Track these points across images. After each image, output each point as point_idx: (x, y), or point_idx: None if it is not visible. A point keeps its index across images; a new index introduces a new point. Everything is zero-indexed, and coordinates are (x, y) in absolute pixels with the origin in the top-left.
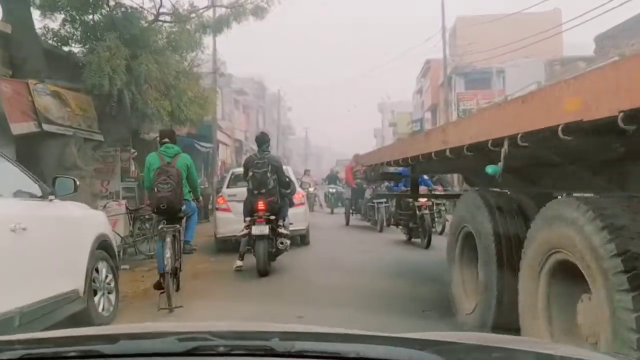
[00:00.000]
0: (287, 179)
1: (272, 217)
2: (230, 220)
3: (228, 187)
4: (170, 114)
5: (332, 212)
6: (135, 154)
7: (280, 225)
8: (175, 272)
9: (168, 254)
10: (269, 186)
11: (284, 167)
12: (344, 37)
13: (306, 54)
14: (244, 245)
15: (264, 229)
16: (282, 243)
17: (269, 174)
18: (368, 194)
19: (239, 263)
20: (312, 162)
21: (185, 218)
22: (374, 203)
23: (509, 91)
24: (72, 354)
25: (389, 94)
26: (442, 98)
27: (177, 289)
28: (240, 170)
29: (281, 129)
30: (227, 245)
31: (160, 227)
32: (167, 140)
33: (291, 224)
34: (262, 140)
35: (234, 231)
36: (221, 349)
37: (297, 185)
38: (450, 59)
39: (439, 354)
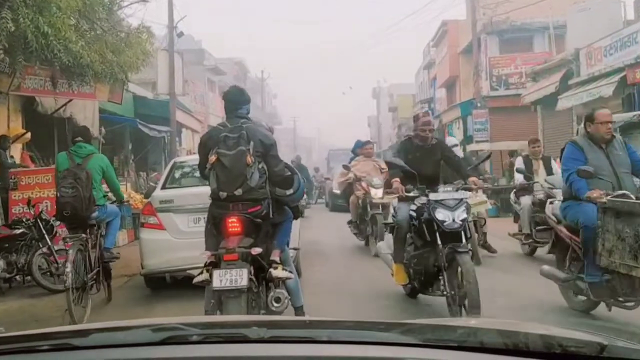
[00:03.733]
0: (286, 169)
1: (257, 249)
2: (165, 243)
3: (165, 187)
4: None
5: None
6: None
7: (275, 262)
8: (84, 287)
9: (69, 267)
10: (250, 182)
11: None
12: (328, 9)
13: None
14: (209, 301)
15: (239, 276)
16: (277, 300)
17: (249, 158)
18: None
19: None
20: (301, 153)
21: (105, 224)
22: None
23: (562, 50)
24: (45, 347)
25: (384, 77)
26: (473, 64)
27: (110, 298)
28: (190, 159)
29: (266, 117)
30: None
31: (63, 237)
32: (79, 139)
33: (297, 249)
34: (236, 99)
35: (170, 262)
36: (194, 338)
37: (313, 180)
38: (480, 12)
39: (404, 334)
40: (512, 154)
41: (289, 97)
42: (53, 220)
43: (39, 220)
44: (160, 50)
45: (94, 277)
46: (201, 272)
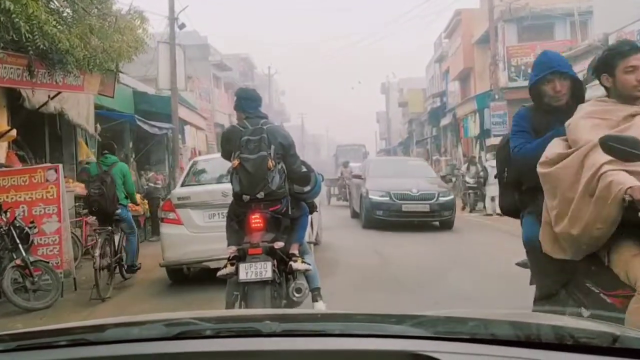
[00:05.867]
0: (303, 167)
1: (279, 243)
2: (182, 237)
3: (184, 184)
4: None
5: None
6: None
7: (295, 256)
8: (108, 267)
9: (97, 252)
10: (272, 185)
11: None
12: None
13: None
14: (231, 294)
15: (264, 269)
16: (298, 290)
17: (270, 163)
18: None
19: None
20: (309, 151)
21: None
22: None
23: (587, 36)
24: (63, 342)
25: (393, 72)
26: (491, 54)
27: (124, 278)
28: (207, 158)
29: (274, 115)
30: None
31: (93, 229)
32: (106, 151)
33: (316, 243)
34: (255, 96)
35: (187, 255)
36: (207, 332)
37: (319, 177)
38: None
39: (416, 327)
40: None
41: (296, 93)
42: (30, 228)
43: (12, 228)
44: (161, 43)
45: (117, 261)
46: (225, 266)
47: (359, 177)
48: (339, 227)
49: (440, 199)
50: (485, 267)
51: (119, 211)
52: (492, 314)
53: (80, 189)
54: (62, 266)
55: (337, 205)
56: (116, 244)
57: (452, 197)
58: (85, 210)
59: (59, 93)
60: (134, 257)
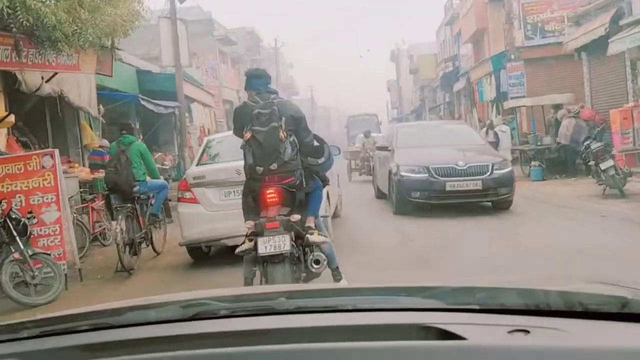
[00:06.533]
0: (315, 140)
1: (295, 216)
2: (199, 216)
3: (199, 164)
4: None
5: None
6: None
7: (311, 229)
8: (132, 244)
9: (118, 228)
10: (284, 157)
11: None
12: None
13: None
14: (249, 269)
15: (282, 242)
16: (316, 262)
17: (282, 134)
18: None
19: None
20: (319, 124)
21: (155, 194)
22: None
23: None
24: (84, 327)
25: (403, 38)
26: (505, 12)
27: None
28: (221, 137)
29: (283, 88)
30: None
31: (114, 207)
32: (124, 132)
33: (326, 216)
34: (259, 76)
35: (204, 233)
36: (222, 312)
37: (333, 149)
38: None
39: (426, 299)
40: (557, 108)
41: (304, 65)
42: (28, 219)
43: (8, 220)
44: (162, 18)
45: (143, 235)
46: (243, 242)
47: (384, 148)
48: (360, 212)
49: (495, 172)
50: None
51: (136, 188)
52: (501, 283)
53: (85, 173)
54: (64, 257)
55: (360, 181)
56: (140, 220)
57: (510, 169)
58: (92, 196)
59: (55, 74)
60: (158, 208)
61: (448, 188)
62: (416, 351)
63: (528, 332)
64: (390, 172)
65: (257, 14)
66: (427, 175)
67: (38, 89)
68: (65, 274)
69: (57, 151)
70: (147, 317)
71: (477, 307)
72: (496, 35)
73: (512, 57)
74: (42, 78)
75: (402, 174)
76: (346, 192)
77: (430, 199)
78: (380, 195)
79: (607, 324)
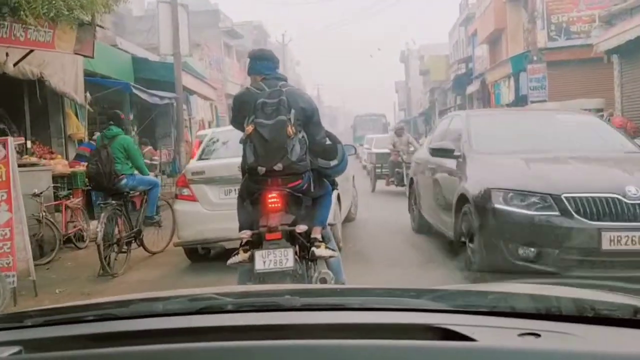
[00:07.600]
0: (327, 138)
1: (302, 227)
2: (196, 215)
3: (200, 159)
4: None
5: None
6: None
7: (317, 240)
8: (118, 243)
9: (99, 227)
10: (291, 156)
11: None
12: None
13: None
14: (243, 283)
15: (284, 257)
16: (323, 281)
17: (290, 129)
18: None
19: None
20: (325, 123)
21: (147, 193)
22: None
23: None
24: (90, 318)
25: (413, 39)
26: (528, 10)
27: (151, 253)
28: (225, 130)
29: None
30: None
31: (98, 202)
32: (111, 122)
33: (334, 224)
34: (265, 57)
35: (202, 234)
36: (229, 307)
37: (346, 149)
38: None
39: (435, 301)
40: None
41: (312, 63)
42: None
43: None
44: (161, 3)
45: (133, 235)
46: (237, 253)
47: (448, 153)
48: (388, 272)
49: None
50: None
51: (123, 182)
52: (512, 287)
53: (62, 166)
54: (14, 267)
55: (386, 192)
56: (130, 218)
57: None
58: (64, 193)
59: (30, 52)
60: (153, 209)
61: (605, 245)
62: (425, 351)
63: (539, 335)
64: (460, 198)
65: (265, 8)
66: (557, 213)
67: (3, 70)
68: (14, 288)
69: (10, 139)
70: (154, 309)
71: (487, 309)
72: (515, 35)
73: (534, 58)
74: (7, 55)
75: (498, 206)
76: (366, 213)
77: (562, 266)
78: (422, 229)
79: (618, 330)
